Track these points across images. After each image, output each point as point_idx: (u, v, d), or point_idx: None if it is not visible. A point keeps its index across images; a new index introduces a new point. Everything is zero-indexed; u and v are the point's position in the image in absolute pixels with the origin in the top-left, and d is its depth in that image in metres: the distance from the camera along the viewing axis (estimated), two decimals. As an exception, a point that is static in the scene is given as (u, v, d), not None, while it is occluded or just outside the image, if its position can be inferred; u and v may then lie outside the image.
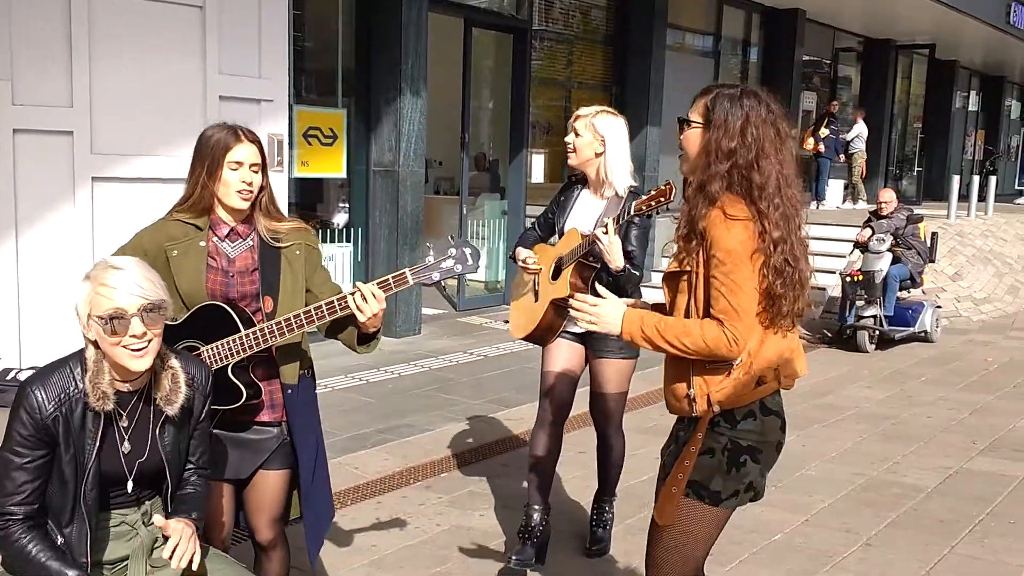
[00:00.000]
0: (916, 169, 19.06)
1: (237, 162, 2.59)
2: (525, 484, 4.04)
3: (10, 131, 5.50)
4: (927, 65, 18.82)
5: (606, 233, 3.26)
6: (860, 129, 15.20)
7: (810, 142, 14.36)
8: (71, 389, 2.19)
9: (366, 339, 2.73)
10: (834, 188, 15.39)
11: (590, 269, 3.51)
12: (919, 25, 15.51)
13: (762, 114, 2.32)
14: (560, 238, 3.67)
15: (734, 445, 2.37)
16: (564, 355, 3.71)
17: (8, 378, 5.38)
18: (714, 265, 2.27)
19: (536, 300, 3.67)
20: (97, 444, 2.21)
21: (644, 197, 3.23)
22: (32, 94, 5.53)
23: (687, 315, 2.36)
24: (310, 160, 7.39)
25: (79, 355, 2.25)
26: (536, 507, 3.71)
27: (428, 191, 9.70)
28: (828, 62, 16.26)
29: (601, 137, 3.56)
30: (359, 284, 2.55)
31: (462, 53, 8.90)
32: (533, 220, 3.96)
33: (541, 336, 3.66)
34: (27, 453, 2.18)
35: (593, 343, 3.68)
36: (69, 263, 5.53)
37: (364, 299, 2.53)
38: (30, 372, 5.58)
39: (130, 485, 2.30)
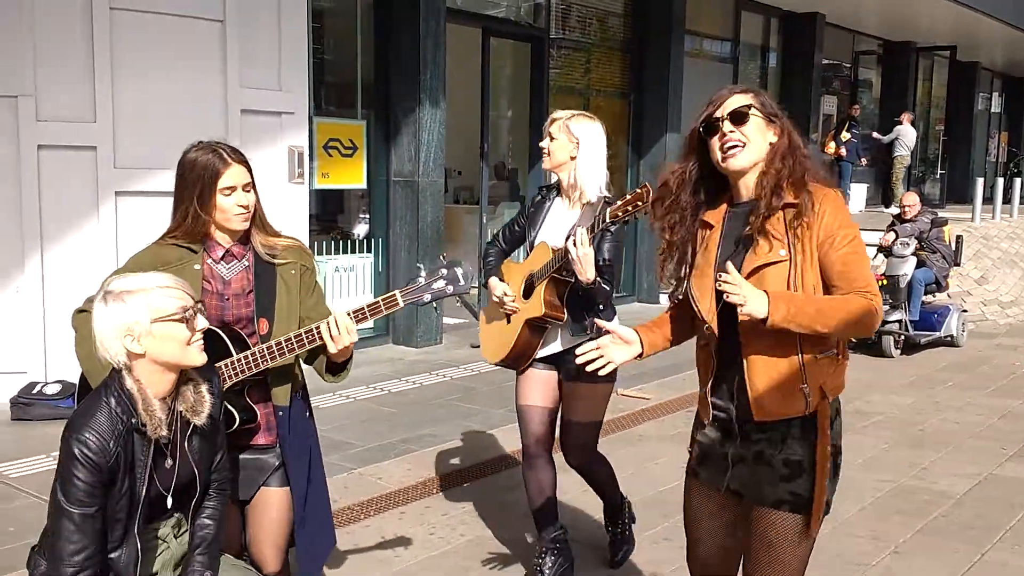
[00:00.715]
0: (939, 172, 18.90)
1: (230, 187, 2.50)
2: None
3: (35, 147, 5.58)
4: (948, 67, 18.66)
5: (577, 244, 3.07)
6: (904, 131, 15.11)
7: (831, 146, 14.28)
8: (119, 424, 2.16)
9: (335, 368, 2.65)
10: (856, 192, 15.29)
11: (564, 284, 3.34)
12: (939, 27, 15.39)
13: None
14: (529, 252, 3.52)
15: (834, 447, 2.32)
16: (537, 387, 3.54)
17: (34, 392, 5.45)
18: (839, 242, 2.21)
19: (508, 321, 3.48)
20: (148, 470, 2.21)
21: (620, 203, 3.00)
22: (56, 110, 5.60)
23: None
24: (331, 172, 7.42)
25: (109, 391, 2.20)
26: (544, 534, 3.60)
27: (448, 201, 9.71)
28: (848, 65, 16.16)
29: (576, 141, 3.43)
30: (337, 313, 2.49)
31: (480, 63, 8.92)
32: (496, 232, 3.75)
33: (515, 359, 3.50)
34: (93, 502, 2.12)
35: (567, 366, 3.43)
36: (94, 277, 5.56)
37: (338, 330, 2.46)
38: (55, 385, 5.63)
39: (169, 501, 2.30)
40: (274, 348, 2.50)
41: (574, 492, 4.52)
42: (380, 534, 4.16)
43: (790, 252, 2.22)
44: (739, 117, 2.28)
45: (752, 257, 2.26)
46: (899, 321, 8.36)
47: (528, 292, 3.43)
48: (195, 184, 2.50)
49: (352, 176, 7.63)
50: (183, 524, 2.40)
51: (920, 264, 8.56)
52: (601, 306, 3.41)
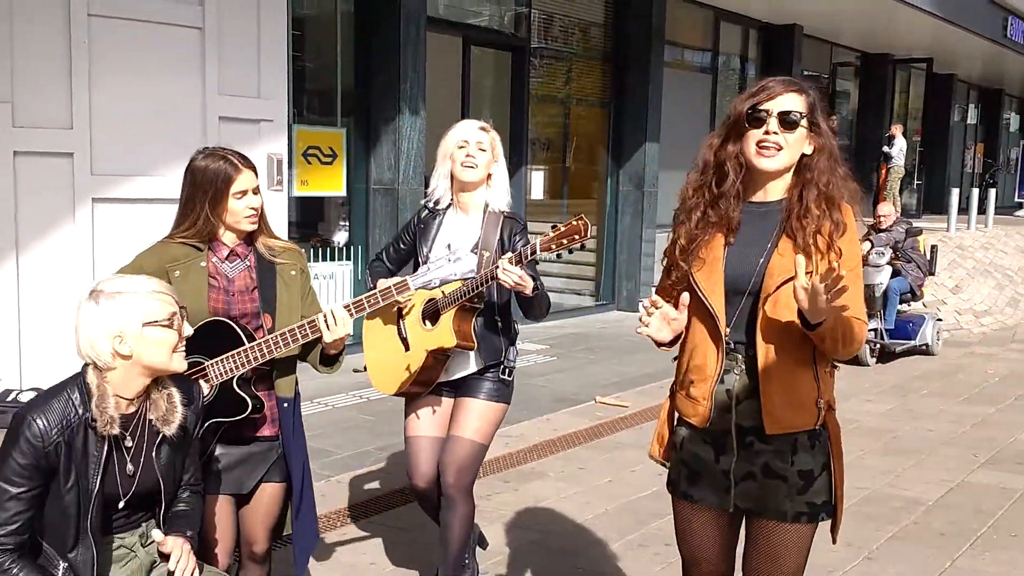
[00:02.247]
0: (916, 182, 19.10)
1: (241, 191, 2.66)
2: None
3: (11, 153, 5.54)
4: (925, 79, 18.89)
5: (508, 271, 2.87)
6: (901, 144, 15.28)
7: None
8: (72, 416, 2.18)
9: (329, 360, 2.79)
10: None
11: (472, 311, 3.12)
12: (916, 40, 15.58)
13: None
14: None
15: (827, 455, 2.34)
16: (431, 415, 3.28)
17: (8, 399, 5.40)
18: (848, 264, 2.20)
19: (407, 349, 3.16)
20: (101, 469, 2.21)
21: (552, 235, 2.83)
22: (32, 116, 5.57)
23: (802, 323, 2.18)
24: (310, 179, 7.42)
25: (75, 382, 2.24)
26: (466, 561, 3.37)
27: (428, 209, 9.72)
28: (826, 77, 16.32)
29: (497, 154, 3.31)
30: (333, 306, 2.64)
31: (461, 71, 8.95)
32: (379, 251, 3.52)
33: (417, 387, 3.22)
34: (23, 483, 2.15)
35: (467, 385, 3.24)
36: (70, 284, 5.55)
37: (335, 322, 2.62)
38: (31, 393, 5.60)
39: (121, 503, 2.30)
40: (278, 338, 2.62)
41: (553, 499, 4.54)
42: (358, 542, 4.16)
43: (817, 264, 2.20)
44: (789, 123, 2.24)
45: (781, 266, 2.22)
46: (875, 330, 8.44)
47: (432, 317, 3.15)
48: (207, 189, 2.65)
49: (331, 184, 7.63)
50: (149, 535, 2.39)
51: (895, 273, 8.65)
52: (541, 315, 3.21)
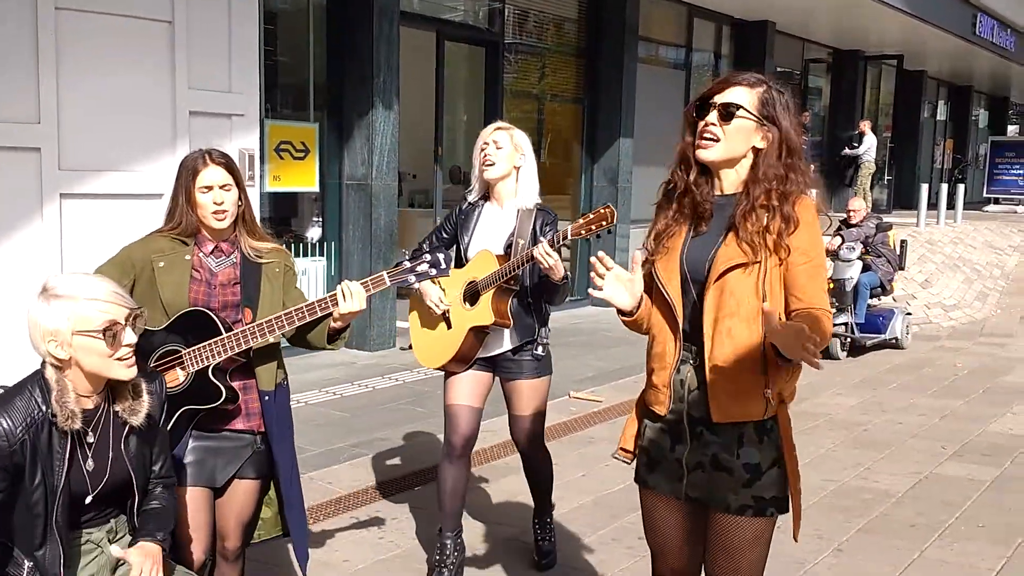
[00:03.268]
0: (886, 178, 19.29)
1: (206, 186, 2.70)
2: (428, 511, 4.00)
3: (-24, 148, 5.45)
4: (896, 75, 19.07)
5: (546, 255, 3.21)
6: (871, 140, 15.39)
7: None
8: (36, 413, 2.16)
9: (334, 335, 2.82)
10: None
11: (509, 292, 3.47)
12: (887, 36, 15.72)
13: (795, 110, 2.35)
14: (466, 259, 3.59)
15: (778, 450, 2.33)
16: (469, 386, 3.62)
17: (-23, 398, 5.33)
18: (803, 254, 2.23)
19: (449, 327, 3.55)
20: (66, 465, 2.19)
21: (583, 220, 3.16)
22: (-1, 110, 5.49)
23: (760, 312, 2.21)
24: (282, 174, 7.37)
25: (35, 378, 2.22)
26: (448, 534, 3.68)
27: (402, 204, 9.70)
28: (798, 73, 16.43)
29: (521, 150, 3.57)
30: (346, 281, 2.70)
31: (435, 66, 8.93)
32: (422, 240, 3.83)
33: (457, 363, 3.57)
34: None
35: (504, 366, 3.62)
36: (38, 280, 5.46)
37: (351, 293, 2.67)
38: (-3, 391, 5.52)
39: (88, 499, 2.28)
40: (255, 328, 2.63)
41: (527, 494, 4.54)
42: (330, 539, 4.15)
43: (763, 256, 2.22)
44: (727, 115, 2.25)
45: (725, 256, 2.25)
46: (845, 324, 8.52)
47: (471, 298, 3.49)
48: (183, 182, 2.73)
49: (304, 179, 7.58)
50: (119, 530, 2.38)
51: (866, 268, 8.73)
52: (559, 302, 3.59)
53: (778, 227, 2.22)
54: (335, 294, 2.68)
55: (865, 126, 15.69)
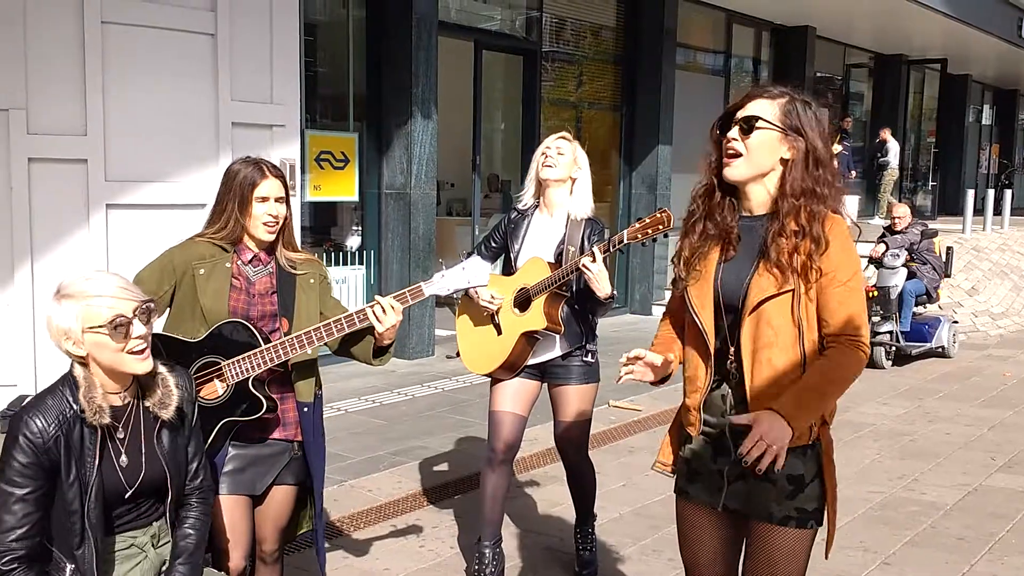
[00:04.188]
0: (931, 183, 18.99)
1: (263, 197, 2.74)
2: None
3: (25, 160, 5.57)
4: (939, 79, 18.79)
5: (594, 261, 3.24)
6: (894, 147, 15.21)
7: None
8: (67, 411, 2.20)
9: (380, 351, 2.85)
10: (848, 204, 15.34)
11: (560, 298, 3.49)
12: (930, 40, 15.50)
13: (825, 120, 2.28)
14: (516, 266, 3.61)
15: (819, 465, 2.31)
16: (515, 394, 3.63)
17: (23, 405, 5.43)
18: (839, 279, 2.17)
19: (499, 333, 3.56)
20: (97, 460, 2.22)
21: (639, 225, 3.17)
22: (47, 123, 5.60)
23: (799, 340, 2.20)
24: (322, 184, 7.44)
25: (65, 378, 2.27)
26: (487, 543, 3.68)
27: (440, 213, 9.74)
28: (839, 78, 16.25)
29: (580, 163, 3.62)
30: (378, 297, 2.72)
31: (472, 76, 8.96)
32: (475, 246, 3.87)
33: (507, 369, 3.58)
34: (27, 484, 2.16)
35: (553, 372, 3.63)
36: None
37: (384, 311, 2.69)
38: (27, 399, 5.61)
39: (128, 494, 2.30)
40: (295, 340, 2.66)
41: (567, 504, 4.51)
42: (370, 547, 4.15)
43: (796, 282, 2.17)
44: (747, 128, 2.22)
45: (758, 287, 2.21)
46: (890, 332, 8.39)
47: (522, 304, 3.50)
48: (237, 191, 2.75)
49: (344, 188, 7.64)
50: (162, 535, 2.41)
51: (911, 275, 8.59)
52: (601, 316, 3.63)
53: (808, 248, 2.17)
54: (370, 306, 2.69)
55: (886, 133, 15.45)
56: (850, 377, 2.19)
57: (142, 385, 2.33)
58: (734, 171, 2.24)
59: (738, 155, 2.22)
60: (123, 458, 2.28)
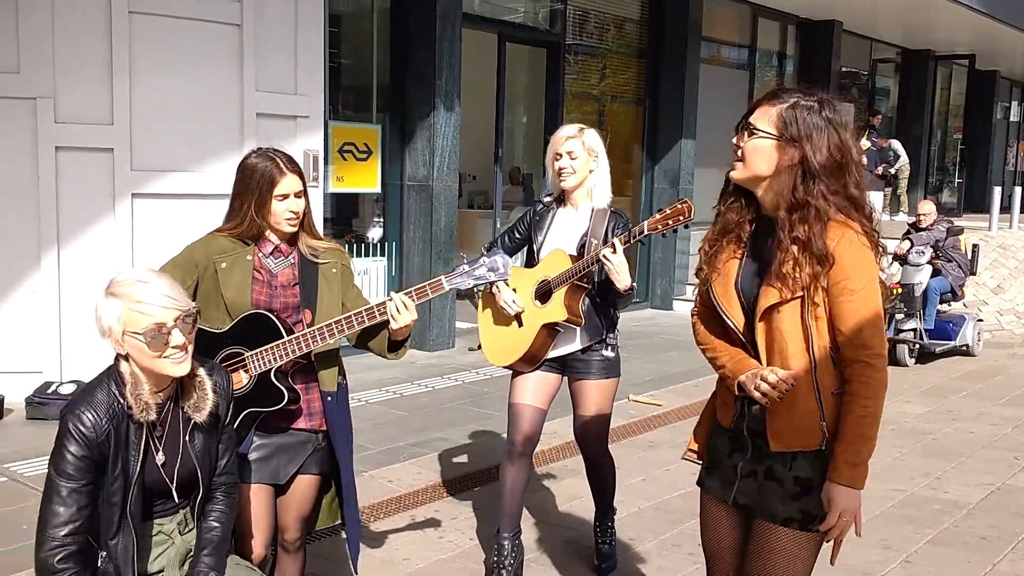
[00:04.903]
0: (957, 180, 18.79)
1: (283, 195, 2.72)
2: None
3: (52, 148, 5.63)
4: (967, 75, 18.57)
5: (614, 252, 3.23)
6: (897, 146, 15.05)
7: None
8: (115, 405, 2.22)
9: (395, 346, 2.86)
10: (875, 200, 15.19)
11: (581, 290, 3.48)
12: (958, 35, 15.31)
13: (843, 124, 2.21)
14: (539, 258, 3.60)
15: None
16: (535, 386, 3.62)
17: (49, 391, 5.49)
18: (849, 289, 2.14)
19: (520, 325, 3.55)
20: (141, 456, 2.25)
21: (659, 216, 3.15)
22: (74, 112, 5.66)
23: (807, 347, 2.18)
24: (345, 175, 7.46)
25: (111, 372, 2.28)
26: (506, 535, 3.68)
27: (462, 205, 9.73)
28: (865, 73, 16.10)
29: (595, 153, 3.56)
30: (393, 294, 2.70)
31: (496, 68, 8.94)
32: (495, 237, 3.84)
33: (527, 362, 3.57)
34: (81, 476, 2.18)
35: (573, 366, 3.62)
36: (110, 278, 5.60)
37: (397, 309, 2.68)
38: (71, 386, 5.69)
39: (175, 494, 2.34)
40: (316, 332, 2.67)
41: (587, 498, 4.51)
42: (390, 537, 4.17)
43: (804, 289, 2.15)
44: (747, 132, 2.22)
45: (766, 294, 2.21)
46: (914, 330, 8.32)
47: (543, 296, 3.49)
48: (254, 189, 2.72)
49: (366, 180, 7.66)
50: (189, 522, 2.43)
51: (936, 273, 8.51)
52: (623, 308, 3.62)
53: (812, 264, 2.15)
54: (389, 299, 2.70)
55: (891, 142, 15.19)
56: (879, 407, 2.18)
57: (180, 385, 2.34)
58: (735, 173, 2.27)
59: (740, 159, 2.25)
60: (160, 455, 2.31)
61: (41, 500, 2.24)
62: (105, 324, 2.22)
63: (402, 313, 2.68)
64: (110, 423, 2.20)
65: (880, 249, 2.23)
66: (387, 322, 2.72)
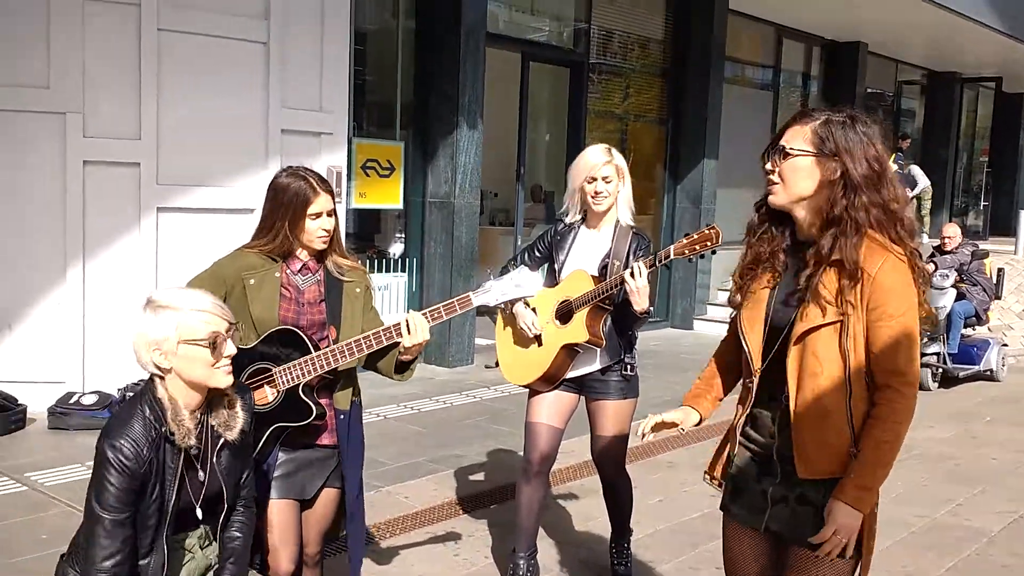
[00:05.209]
0: (983, 203, 18.63)
1: (316, 214, 2.77)
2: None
3: (80, 162, 5.71)
4: (994, 97, 18.44)
5: (636, 276, 3.21)
6: (918, 171, 14.95)
7: None
8: (152, 432, 2.22)
9: (402, 367, 2.88)
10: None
11: (603, 311, 3.46)
12: (985, 58, 15.23)
13: (879, 138, 2.20)
14: (560, 278, 3.58)
15: None
16: (552, 406, 3.62)
17: (71, 402, 5.55)
18: (887, 315, 2.10)
19: (540, 344, 3.54)
20: (178, 480, 2.26)
21: (687, 240, 3.14)
22: (102, 127, 5.74)
23: (844, 372, 2.15)
24: (367, 191, 7.51)
25: (143, 398, 2.26)
26: (522, 554, 3.68)
27: (483, 222, 9.77)
28: (891, 95, 16.03)
29: (622, 174, 3.56)
30: (412, 312, 2.73)
31: (519, 86, 8.98)
32: (516, 254, 3.83)
33: (546, 381, 3.57)
34: (125, 508, 2.17)
35: (591, 386, 3.61)
36: (133, 290, 5.68)
37: (409, 328, 2.71)
38: (92, 396, 5.73)
39: (200, 512, 2.35)
40: (344, 348, 2.70)
41: (603, 518, 4.49)
42: (405, 553, 4.17)
43: (842, 313, 2.13)
44: (782, 155, 2.20)
45: (802, 319, 2.18)
46: (937, 354, 8.24)
47: (564, 317, 3.49)
48: (287, 208, 2.77)
49: (389, 196, 7.71)
50: (209, 536, 2.44)
51: (960, 296, 8.44)
52: (637, 330, 3.60)
53: (844, 281, 2.13)
54: (405, 321, 2.71)
55: (911, 167, 15.06)
56: (901, 434, 2.14)
57: (209, 403, 2.35)
58: (774, 198, 2.24)
59: (775, 183, 2.22)
60: (200, 473, 2.32)
61: (83, 531, 2.23)
62: (156, 337, 2.21)
63: (414, 333, 2.70)
64: (151, 452, 2.20)
65: (920, 271, 2.19)
66: (394, 344, 2.75)
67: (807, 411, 2.20)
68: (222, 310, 2.29)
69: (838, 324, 2.14)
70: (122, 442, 2.17)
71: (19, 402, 5.53)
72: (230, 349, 2.26)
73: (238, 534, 2.46)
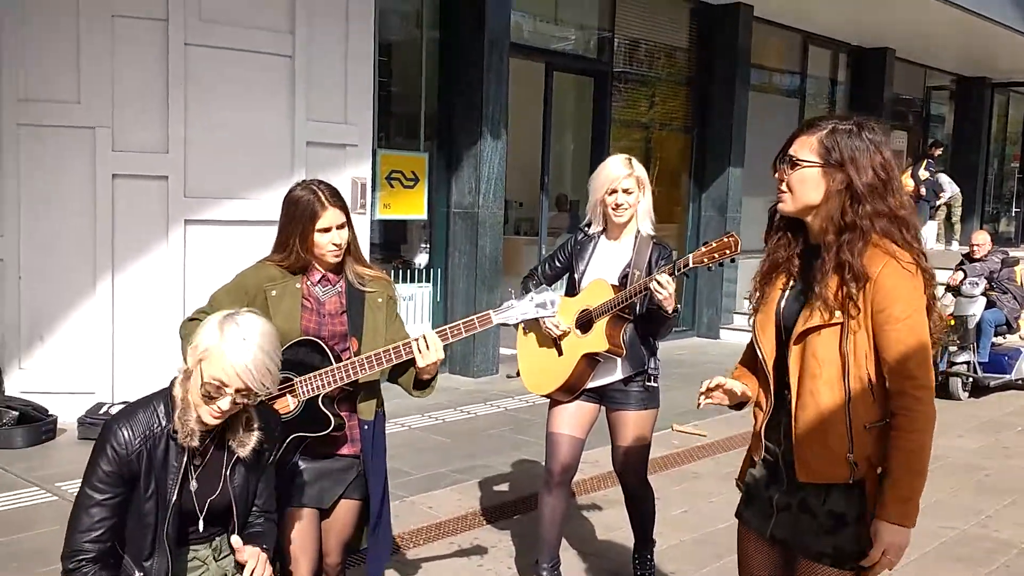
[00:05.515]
0: (1014, 210, 18.38)
1: (325, 228, 2.77)
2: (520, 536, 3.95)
3: (109, 176, 5.80)
4: (1026, 103, 18.22)
5: (664, 286, 3.21)
6: (946, 179, 14.80)
7: (909, 184, 13.75)
8: (155, 426, 2.28)
9: (421, 384, 2.88)
10: (929, 230, 14.94)
11: (623, 321, 3.46)
12: (1016, 62, 15.04)
13: (888, 145, 2.21)
14: (580, 288, 3.59)
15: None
16: (573, 416, 3.62)
17: (100, 412, 5.62)
18: (893, 319, 2.11)
19: (560, 354, 3.55)
20: (179, 480, 2.30)
21: (705, 249, 3.14)
22: (130, 141, 5.83)
23: (843, 376, 2.16)
24: (392, 202, 7.55)
25: (163, 394, 2.34)
26: (545, 565, 3.69)
27: (508, 232, 9.78)
28: (920, 101, 15.87)
29: (643, 185, 3.56)
30: (427, 331, 2.74)
31: (543, 96, 9.00)
32: (534, 267, 3.86)
33: (567, 391, 3.56)
34: (107, 490, 2.25)
35: (612, 396, 3.60)
36: (161, 303, 5.76)
37: (419, 348, 2.71)
38: (121, 407, 5.81)
39: (201, 523, 2.38)
40: (364, 360, 2.72)
41: (627, 528, 4.48)
42: (428, 564, 4.18)
43: (844, 315, 2.14)
44: (791, 165, 2.22)
45: (804, 318, 2.20)
46: (967, 363, 8.12)
47: (584, 326, 3.49)
48: (297, 222, 2.78)
49: (413, 207, 7.75)
50: (223, 549, 2.47)
51: (990, 304, 8.32)
52: (666, 334, 3.59)
53: (848, 284, 2.14)
54: (416, 340, 2.72)
55: (939, 176, 14.89)
56: (925, 441, 2.14)
57: (228, 419, 2.37)
58: (783, 206, 2.27)
59: (784, 191, 2.25)
60: (193, 483, 2.35)
61: (72, 506, 2.31)
62: (199, 340, 2.26)
63: (427, 352, 2.71)
64: (144, 444, 2.26)
65: (929, 276, 2.19)
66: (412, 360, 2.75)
67: (806, 413, 2.20)
68: (249, 375, 2.23)
69: (838, 327, 2.16)
70: (118, 427, 2.26)
71: (50, 413, 5.62)
72: (223, 404, 2.25)
73: (260, 528, 2.49)
